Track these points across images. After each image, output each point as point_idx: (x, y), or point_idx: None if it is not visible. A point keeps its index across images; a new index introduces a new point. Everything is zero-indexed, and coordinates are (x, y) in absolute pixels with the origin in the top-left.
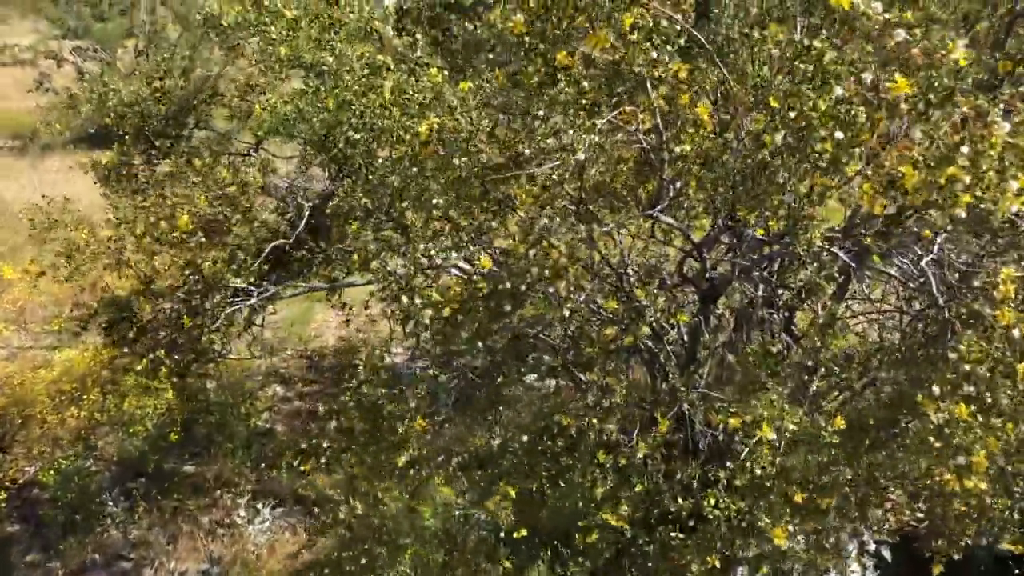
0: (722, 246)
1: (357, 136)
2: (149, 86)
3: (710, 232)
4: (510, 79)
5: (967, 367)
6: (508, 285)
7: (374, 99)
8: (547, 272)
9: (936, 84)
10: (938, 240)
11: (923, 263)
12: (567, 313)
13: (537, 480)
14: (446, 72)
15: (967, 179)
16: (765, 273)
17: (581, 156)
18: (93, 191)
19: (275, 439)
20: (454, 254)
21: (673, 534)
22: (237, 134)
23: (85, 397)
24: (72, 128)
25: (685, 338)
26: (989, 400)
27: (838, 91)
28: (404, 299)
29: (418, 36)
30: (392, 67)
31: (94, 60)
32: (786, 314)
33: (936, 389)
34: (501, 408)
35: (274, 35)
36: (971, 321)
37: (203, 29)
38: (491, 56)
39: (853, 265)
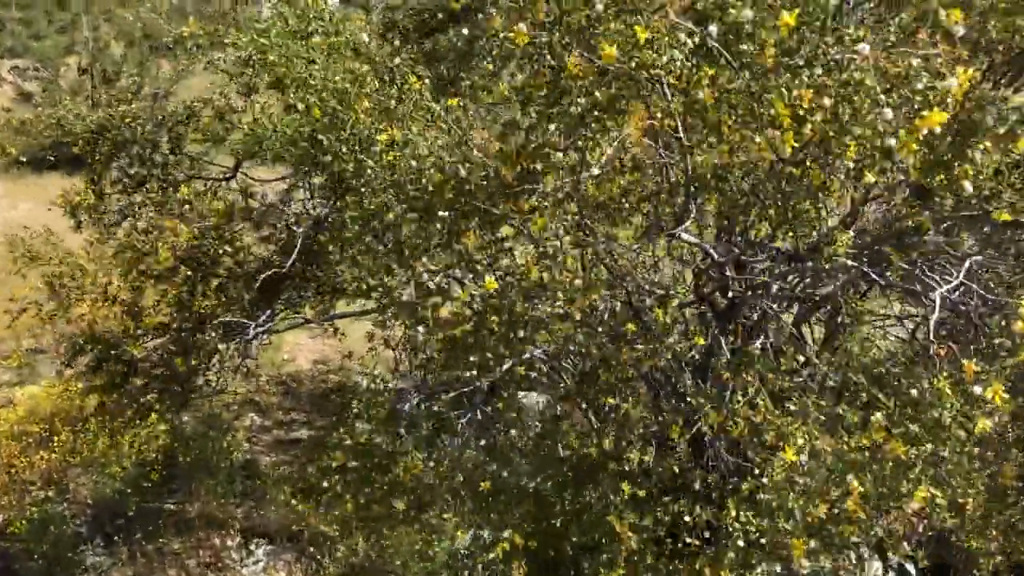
0: (742, 262)
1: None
2: (118, 110)
3: (731, 248)
4: (516, 92)
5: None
6: (519, 307)
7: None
8: (560, 293)
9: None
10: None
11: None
12: (580, 338)
13: (560, 514)
14: (428, 83)
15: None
16: (785, 288)
17: (596, 171)
18: (39, 216)
19: (258, 471)
20: (458, 273)
21: (689, 541)
22: (212, 156)
23: (56, 439)
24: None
25: (698, 356)
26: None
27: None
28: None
29: (401, 53)
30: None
31: (35, 79)
32: (795, 328)
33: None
34: (501, 432)
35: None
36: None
37: (177, 49)
38: (489, 66)
39: (881, 282)
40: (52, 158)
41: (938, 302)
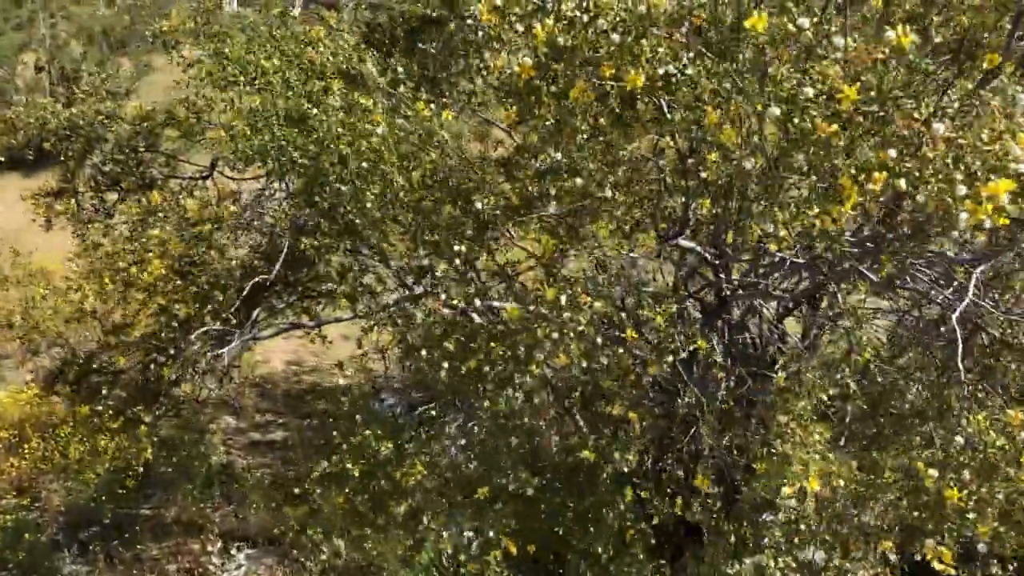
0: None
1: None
2: (91, 108)
3: (725, 251)
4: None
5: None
6: (540, 333)
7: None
8: (579, 317)
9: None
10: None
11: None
12: (604, 361)
13: (553, 516)
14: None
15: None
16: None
17: (608, 193)
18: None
19: (236, 474)
20: (478, 301)
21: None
22: (189, 156)
23: (26, 445)
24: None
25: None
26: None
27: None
28: (424, 353)
29: (399, 68)
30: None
31: None
32: (779, 324)
33: (934, 472)
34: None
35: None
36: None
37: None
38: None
39: (874, 279)
40: (30, 156)
41: (956, 323)
